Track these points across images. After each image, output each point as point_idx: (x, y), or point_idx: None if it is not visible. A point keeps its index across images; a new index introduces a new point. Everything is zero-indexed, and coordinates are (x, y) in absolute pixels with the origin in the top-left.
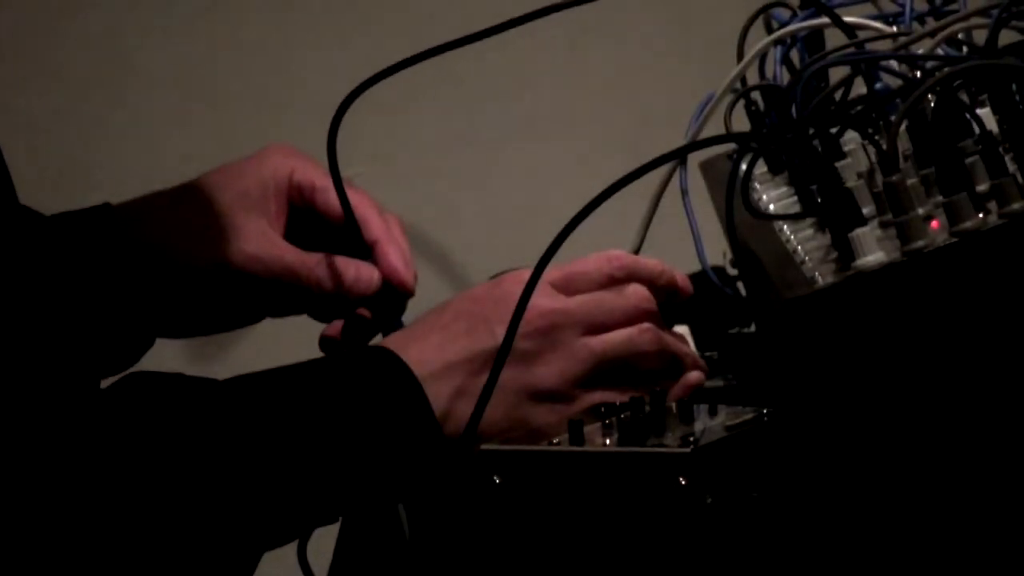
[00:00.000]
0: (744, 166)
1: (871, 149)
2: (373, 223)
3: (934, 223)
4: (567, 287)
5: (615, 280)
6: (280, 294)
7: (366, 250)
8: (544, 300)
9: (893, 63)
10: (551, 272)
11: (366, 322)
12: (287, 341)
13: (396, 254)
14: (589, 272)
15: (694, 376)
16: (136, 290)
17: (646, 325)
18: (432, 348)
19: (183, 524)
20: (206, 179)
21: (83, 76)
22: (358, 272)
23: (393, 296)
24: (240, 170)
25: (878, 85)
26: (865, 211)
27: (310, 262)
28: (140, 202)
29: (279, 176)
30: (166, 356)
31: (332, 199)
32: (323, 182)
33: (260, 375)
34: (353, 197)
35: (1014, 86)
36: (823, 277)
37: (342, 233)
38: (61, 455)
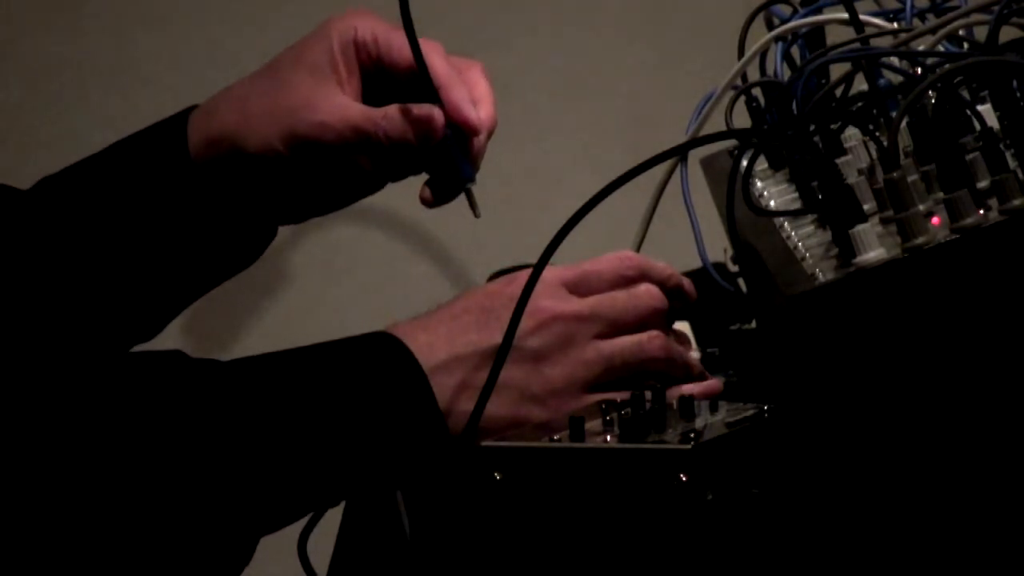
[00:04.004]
0: (745, 162)
1: (872, 145)
2: (436, 67)
3: (935, 219)
4: (580, 287)
5: (628, 280)
6: (362, 157)
7: (434, 94)
8: (557, 302)
9: (894, 59)
10: (564, 272)
11: (444, 173)
12: (288, 335)
13: (458, 93)
14: (602, 272)
15: (714, 383)
16: (226, 186)
17: (655, 332)
18: (441, 339)
19: (182, 506)
20: (277, 58)
21: (82, 71)
22: (419, 114)
23: (462, 139)
24: (306, 41)
25: (880, 81)
26: (866, 207)
27: (376, 116)
28: (216, 96)
29: (344, 39)
30: (168, 347)
31: (396, 51)
32: (386, 36)
33: (264, 357)
34: (421, 44)
35: (1015, 82)
36: (824, 274)
37: (415, 84)
38: (58, 434)
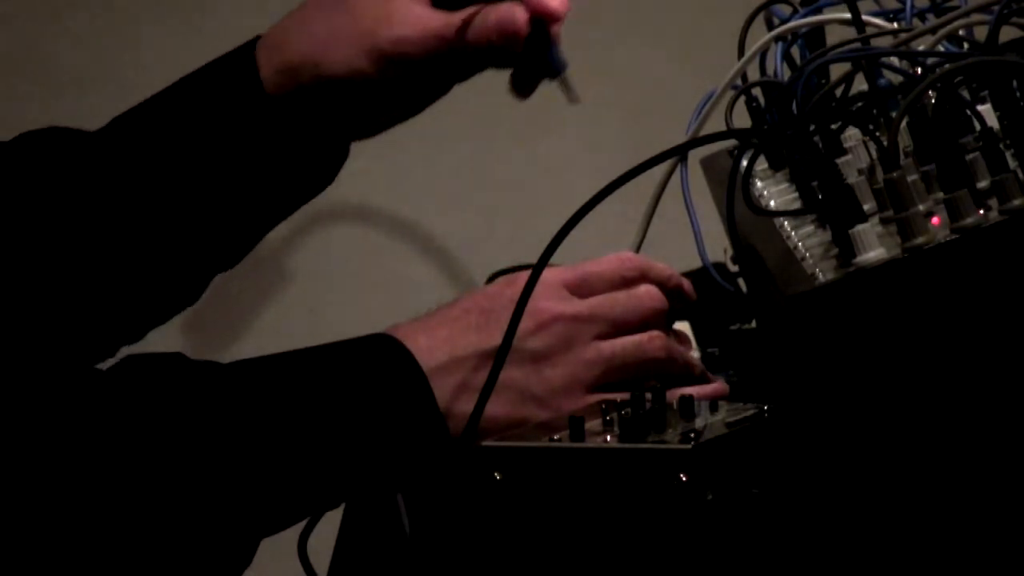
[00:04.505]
0: (745, 162)
1: (872, 145)
2: None
3: (935, 219)
4: (581, 288)
5: (628, 281)
6: (446, 65)
7: None
8: (558, 303)
9: (894, 59)
10: (564, 274)
11: (528, 66)
12: (288, 336)
13: None
14: (603, 273)
15: (721, 386)
16: (303, 113)
17: (656, 332)
18: (441, 340)
19: (182, 508)
20: None
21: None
22: (499, 15)
23: (543, 32)
24: None
25: (880, 81)
26: (866, 207)
27: (455, 22)
28: (280, 27)
29: None
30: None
31: None
32: None
33: (265, 359)
34: None
35: (1015, 82)
36: (824, 273)
37: None
38: (59, 437)
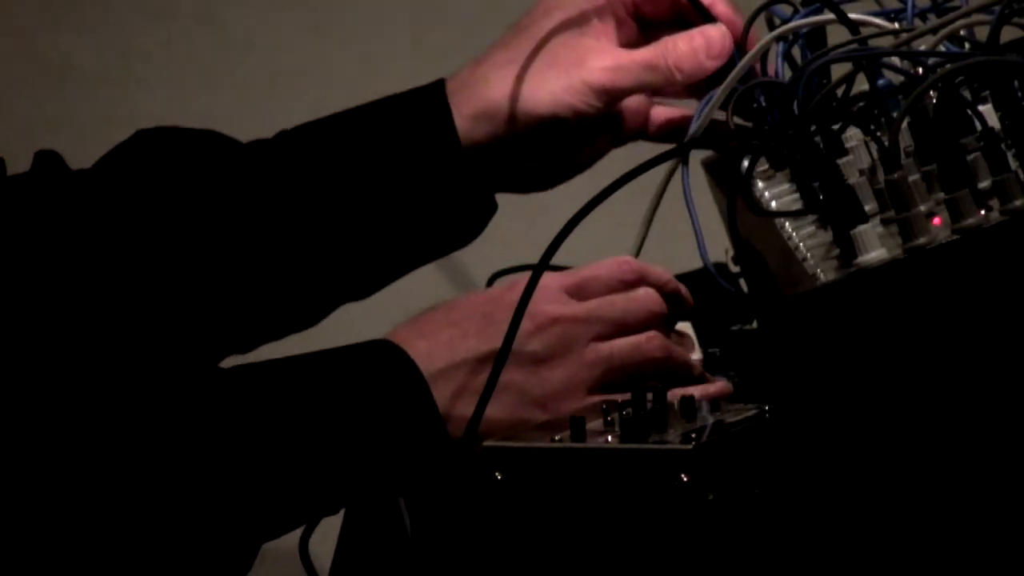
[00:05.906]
0: (746, 163)
1: (873, 146)
2: None
3: (936, 220)
4: (579, 292)
5: (626, 284)
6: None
7: (707, 14)
8: (556, 306)
9: (895, 59)
10: (563, 278)
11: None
12: (289, 338)
13: (722, 4)
14: (601, 276)
15: (724, 386)
16: (489, 159)
17: (653, 333)
18: (441, 345)
19: (182, 512)
20: (523, 25)
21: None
22: (705, 35)
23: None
24: (550, 5)
25: (880, 82)
26: (867, 208)
27: (659, 50)
28: (468, 73)
29: None
30: None
31: None
32: None
33: (266, 364)
34: None
35: (1016, 83)
36: (825, 274)
37: (664, 22)
38: (61, 440)
